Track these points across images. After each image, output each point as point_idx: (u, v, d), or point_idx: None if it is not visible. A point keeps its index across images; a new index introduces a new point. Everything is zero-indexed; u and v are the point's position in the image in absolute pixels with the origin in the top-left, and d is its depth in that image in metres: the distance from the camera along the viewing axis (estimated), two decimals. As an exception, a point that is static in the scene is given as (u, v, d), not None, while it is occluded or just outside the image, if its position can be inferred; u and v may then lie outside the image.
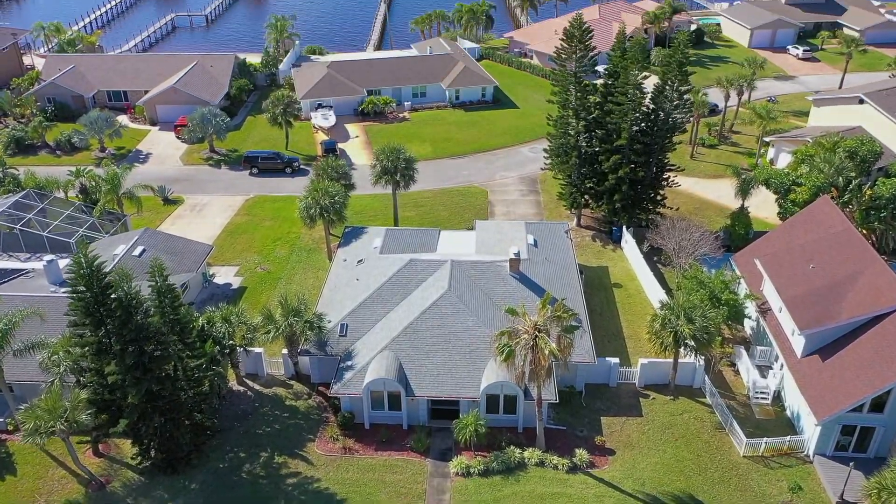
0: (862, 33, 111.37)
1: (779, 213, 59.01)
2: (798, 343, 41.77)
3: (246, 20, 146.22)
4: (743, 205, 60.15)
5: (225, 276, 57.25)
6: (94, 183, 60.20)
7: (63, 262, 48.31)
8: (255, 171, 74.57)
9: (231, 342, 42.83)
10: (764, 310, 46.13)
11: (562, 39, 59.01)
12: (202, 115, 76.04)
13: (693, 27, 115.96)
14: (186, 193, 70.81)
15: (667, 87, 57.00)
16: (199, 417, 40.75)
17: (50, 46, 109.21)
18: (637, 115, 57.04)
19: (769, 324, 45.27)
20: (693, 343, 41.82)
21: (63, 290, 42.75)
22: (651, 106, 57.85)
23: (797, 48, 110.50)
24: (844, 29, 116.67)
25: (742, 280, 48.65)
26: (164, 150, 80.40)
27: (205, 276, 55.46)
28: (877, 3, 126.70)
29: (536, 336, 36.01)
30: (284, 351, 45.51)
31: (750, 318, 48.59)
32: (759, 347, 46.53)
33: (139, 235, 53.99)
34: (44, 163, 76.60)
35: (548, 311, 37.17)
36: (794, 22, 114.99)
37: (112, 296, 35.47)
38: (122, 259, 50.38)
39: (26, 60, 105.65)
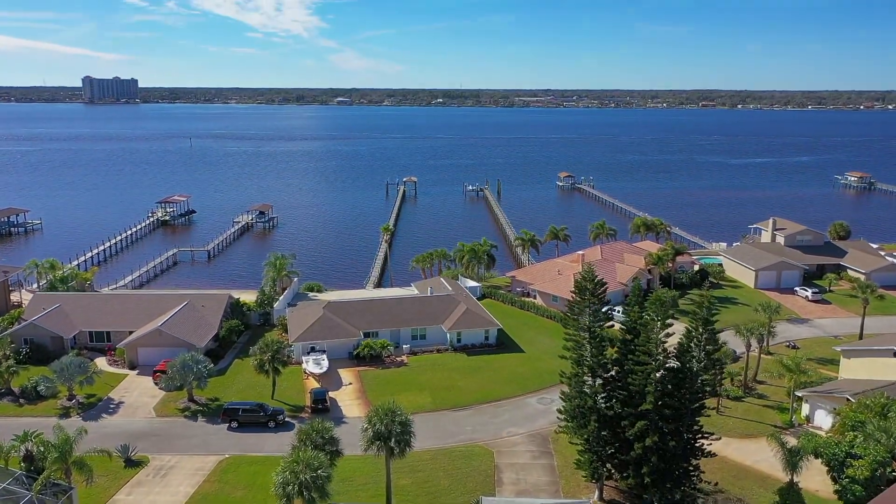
0: (867, 276, 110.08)
1: (836, 491, 50.54)
2: None
3: (247, 256, 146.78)
4: (792, 480, 51.97)
5: (179, 568, 47.37)
6: (41, 448, 52.43)
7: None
8: (234, 424, 67.03)
9: None
10: None
11: (573, 292, 55.09)
12: (183, 362, 70.20)
13: (696, 267, 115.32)
14: (153, 452, 62.58)
15: (692, 346, 51.83)
16: None
17: (41, 283, 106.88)
18: (661, 374, 51.15)
19: None
20: None
21: None
22: (676, 364, 52.21)
23: (805, 290, 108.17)
24: (849, 271, 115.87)
25: None
26: (137, 399, 73.36)
27: (153, 570, 45.62)
28: (875, 246, 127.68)
29: None
30: None
31: None
32: None
33: (80, 519, 45.18)
34: (3, 413, 69.43)
35: None
36: (798, 264, 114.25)
37: None
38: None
39: (15, 297, 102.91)
